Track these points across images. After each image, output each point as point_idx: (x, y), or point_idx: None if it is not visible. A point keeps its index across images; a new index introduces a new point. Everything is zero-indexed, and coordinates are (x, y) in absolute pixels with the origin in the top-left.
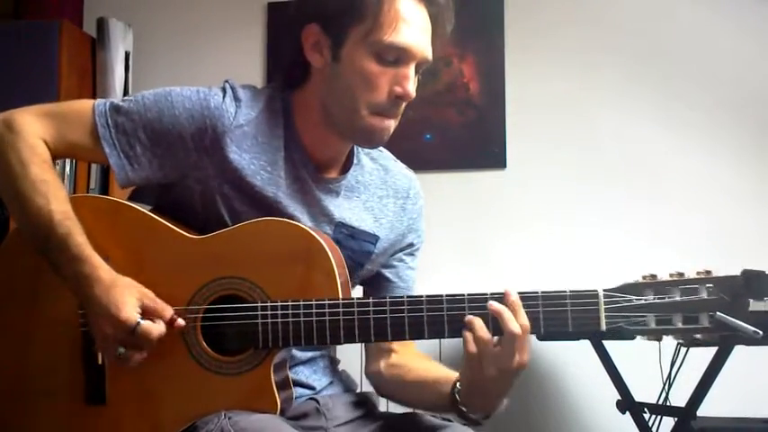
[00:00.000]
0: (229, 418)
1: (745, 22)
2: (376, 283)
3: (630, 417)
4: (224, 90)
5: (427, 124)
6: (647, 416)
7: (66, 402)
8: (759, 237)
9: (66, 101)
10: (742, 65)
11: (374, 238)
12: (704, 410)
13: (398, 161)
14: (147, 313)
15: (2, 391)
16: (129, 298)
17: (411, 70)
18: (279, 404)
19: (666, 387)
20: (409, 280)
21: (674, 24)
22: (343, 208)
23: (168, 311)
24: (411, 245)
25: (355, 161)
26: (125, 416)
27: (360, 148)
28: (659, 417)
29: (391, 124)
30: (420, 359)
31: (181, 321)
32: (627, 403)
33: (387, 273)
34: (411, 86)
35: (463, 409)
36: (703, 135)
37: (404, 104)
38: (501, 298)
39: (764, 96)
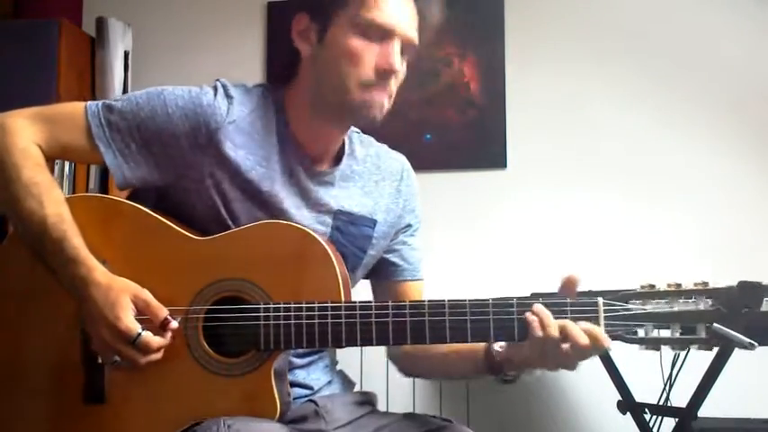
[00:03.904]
0: (229, 427)
1: (748, 21)
2: (383, 270)
3: (631, 417)
4: (215, 88)
5: (427, 124)
6: (647, 416)
7: (65, 401)
8: (761, 236)
9: (61, 102)
10: (744, 64)
11: (372, 222)
12: (705, 411)
13: (386, 146)
14: (139, 314)
15: (1, 389)
16: (125, 303)
17: (396, 46)
18: (279, 406)
19: (667, 388)
20: (415, 261)
21: (676, 24)
22: (341, 197)
23: (162, 313)
24: (409, 225)
25: (348, 151)
26: (124, 415)
27: (351, 139)
28: (660, 417)
29: (384, 99)
30: None
31: (174, 324)
32: (628, 404)
33: (391, 257)
34: (396, 60)
35: (501, 363)
36: (705, 135)
37: (392, 80)
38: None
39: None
